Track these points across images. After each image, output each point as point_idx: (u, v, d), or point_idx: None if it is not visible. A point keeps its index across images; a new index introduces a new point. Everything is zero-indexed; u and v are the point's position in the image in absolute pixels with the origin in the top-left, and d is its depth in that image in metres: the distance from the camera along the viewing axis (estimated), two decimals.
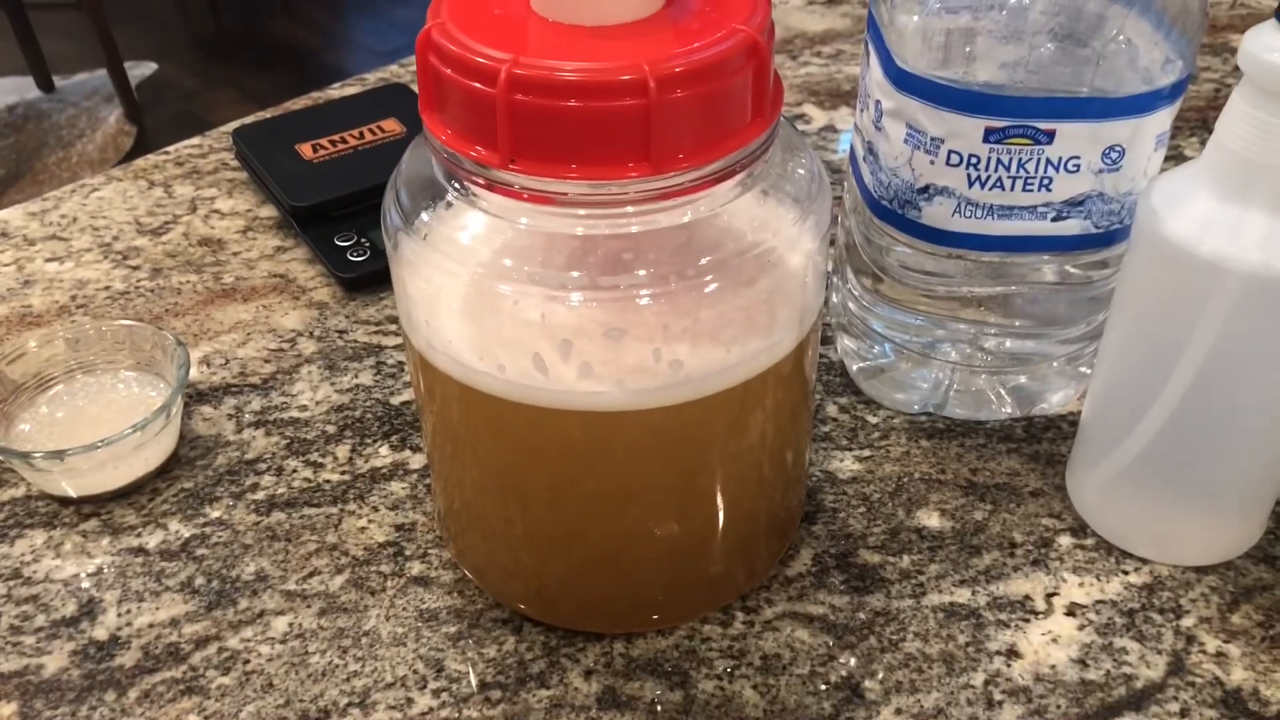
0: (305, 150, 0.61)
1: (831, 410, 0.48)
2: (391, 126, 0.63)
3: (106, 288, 0.56)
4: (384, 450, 0.46)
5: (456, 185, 0.32)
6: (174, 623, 0.40)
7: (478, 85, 0.29)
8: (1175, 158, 0.63)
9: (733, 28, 0.30)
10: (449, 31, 0.30)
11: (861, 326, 0.48)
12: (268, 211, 0.61)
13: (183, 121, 2.25)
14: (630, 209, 0.31)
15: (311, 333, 0.53)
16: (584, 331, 0.32)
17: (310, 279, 0.56)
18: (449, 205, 0.33)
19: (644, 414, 0.33)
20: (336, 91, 0.72)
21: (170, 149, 0.67)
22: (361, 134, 0.63)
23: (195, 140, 0.68)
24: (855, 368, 0.48)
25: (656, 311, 0.32)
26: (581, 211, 0.31)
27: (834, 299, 0.50)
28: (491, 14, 0.31)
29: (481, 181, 0.31)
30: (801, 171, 0.35)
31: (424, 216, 0.33)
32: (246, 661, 0.38)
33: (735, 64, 0.30)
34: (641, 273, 0.32)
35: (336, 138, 0.62)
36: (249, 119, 0.68)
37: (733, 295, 0.32)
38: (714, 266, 0.32)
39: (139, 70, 2.47)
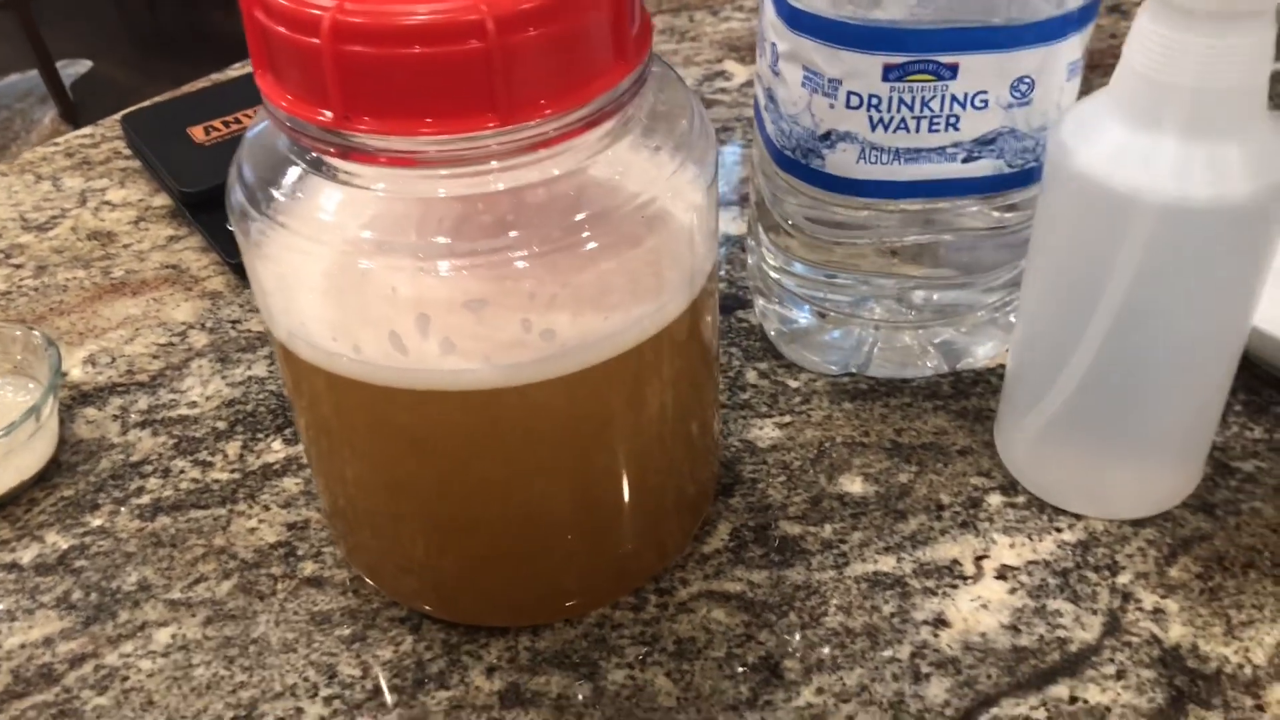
0: (197, 133, 0.58)
1: (751, 376, 0.45)
2: None
3: None
4: (276, 445, 0.44)
5: (303, 155, 0.29)
6: (47, 642, 0.37)
7: (303, 38, 0.26)
8: None
9: None
10: None
11: (778, 288, 0.45)
12: (161, 200, 0.58)
13: None
14: (493, 164, 0.28)
15: (203, 324, 0.50)
16: (442, 304, 0.29)
17: (203, 268, 0.53)
18: (297, 178, 0.30)
19: (520, 391, 0.30)
20: (237, 70, 0.69)
21: (60, 140, 0.64)
22: (257, 113, 0.59)
23: (87, 130, 0.65)
24: (774, 331, 0.46)
25: (522, 277, 0.29)
26: (442, 171, 0.28)
27: (749, 261, 0.48)
28: None
29: (330, 149, 0.28)
30: (682, 120, 0.32)
31: (272, 193, 0.30)
32: (125, 679, 0.36)
33: None
34: (509, 235, 0.29)
35: (230, 118, 0.59)
36: (145, 104, 0.64)
37: (609, 255, 0.30)
38: (586, 224, 0.29)
39: (74, 69, 2.41)
